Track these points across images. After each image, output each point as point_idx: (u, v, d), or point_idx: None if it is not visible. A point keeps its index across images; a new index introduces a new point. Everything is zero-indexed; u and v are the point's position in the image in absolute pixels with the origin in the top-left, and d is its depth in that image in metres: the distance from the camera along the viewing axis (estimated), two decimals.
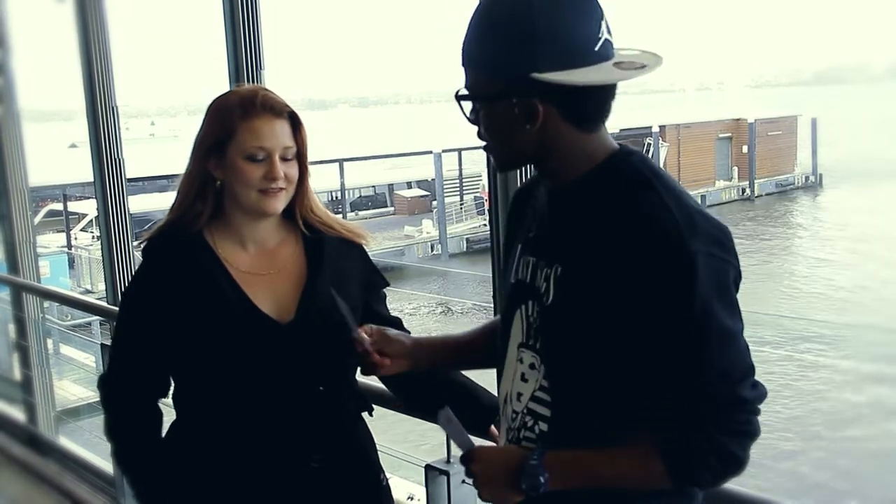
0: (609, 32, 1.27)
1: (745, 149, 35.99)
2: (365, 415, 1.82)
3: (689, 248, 1.18)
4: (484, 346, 1.60)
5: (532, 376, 1.37)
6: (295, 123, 1.68)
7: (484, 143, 1.36)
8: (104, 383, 1.75)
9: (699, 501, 1.35)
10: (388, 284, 1.86)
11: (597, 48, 1.24)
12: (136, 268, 1.78)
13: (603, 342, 1.24)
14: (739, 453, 1.21)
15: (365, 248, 1.82)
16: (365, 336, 1.55)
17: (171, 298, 1.65)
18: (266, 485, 1.65)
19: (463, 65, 1.31)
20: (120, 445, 1.78)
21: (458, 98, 1.32)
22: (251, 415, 1.64)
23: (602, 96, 1.28)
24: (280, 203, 1.67)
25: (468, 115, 1.34)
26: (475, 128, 1.34)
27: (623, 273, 1.21)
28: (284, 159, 1.65)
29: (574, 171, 1.31)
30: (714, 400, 1.20)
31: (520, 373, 1.40)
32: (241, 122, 1.63)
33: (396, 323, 1.81)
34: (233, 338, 1.62)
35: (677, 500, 1.32)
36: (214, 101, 1.70)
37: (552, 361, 1.33)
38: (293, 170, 1.67)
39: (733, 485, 1.37)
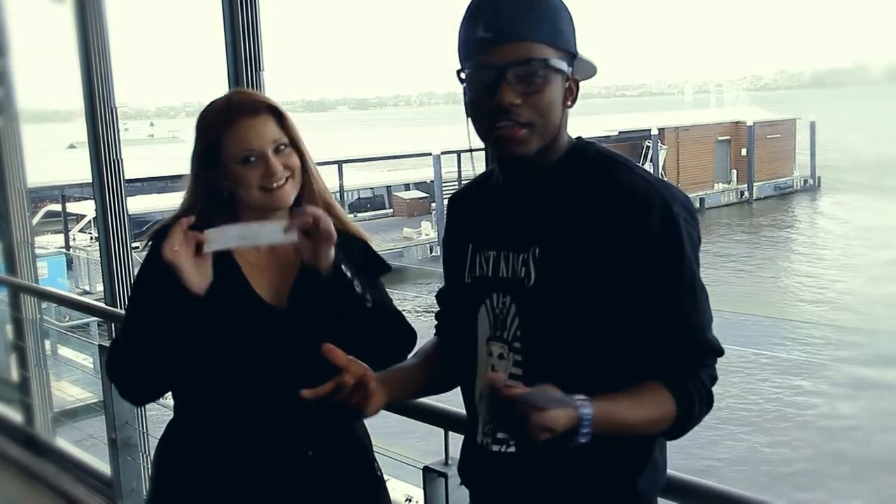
0: None
1: (743, 152, 36.03)
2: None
3: (673, 212, 1.30)
4: (435, 371, 1.61)
5: (501, 366, 1.40)
6: (278, 115, 1.68)
7: (514, 125, 1.32)
8: (111, 349, 1.74)
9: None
10: (389, 269, 1.84)
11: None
12: (145, 256, 1.77)
13: (589, 313, 1.32)
14: (712, 393, 1.35)
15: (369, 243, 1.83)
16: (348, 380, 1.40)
17: (177, 283, 1.63)
18: (262, 474, 1.66)
19: (519, 38, 1.30)
20: (136, 384, 1.75)
21: (541, 63, 1.31)
22: (249, 402, 1.64)
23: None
24: (288, 195, 1.68)
25: (527, 85, 1.31)
26: (516, 103, 1.30)
27: (612, 241, 1.30)
28: (278, 152, 1.66)
29: (554, 155, 1.39)
30: (702, 349, 1.34)
31: (489, 365, 1.42)
32: (223, 132, 1.65)
33: (397, 313, 1.78)
34: (232, 321, 1.64)
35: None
36: (198, 118, 1.71)
37: (532, 342, 1.36)
38: (292, 159, 1.68)
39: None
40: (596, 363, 1.34)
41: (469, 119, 1.38)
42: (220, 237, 1.54)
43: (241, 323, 1.66)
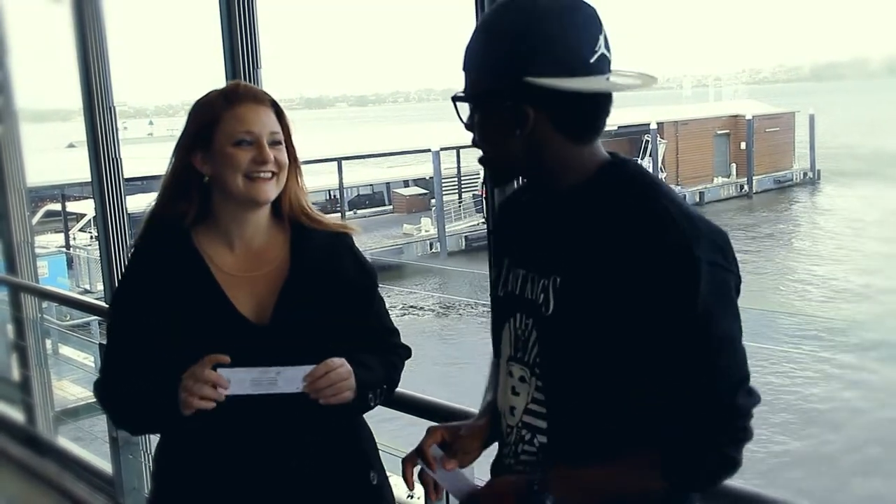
0: (608, 49, 1.28)
1: (743, 145, 36.02)
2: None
3: (693, 255, 1.19)
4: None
5: (523, 389, 1.38)
6: (278, 111, 1.70)
7: (480, 155, 1.36)
8: (99, 386, 1.74)
9: (697, 499, 1.36)
10: (376, 286, 1.83)
11: (592, 60, 1.25)
12: (123, 270, 1.78)
13: (605, 350, 1.25)
14: (736, 457, 1.23)
15: (354, 239, 1.80)
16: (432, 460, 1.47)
17: (155, 300, 1.65)
18: (251, 478, 1.64)
19: (463, 69, 1.33)
20: (132, 426, 1.85)
21: (454, 99, 1.33)
22: (230, 417, 1.59)
23: (593, 108, 1.29)
24: (270, 189, 1.66)
25: (465, 120, 1.35)
26: (472, 133, 1.35)
27: (628, 281, 1.21)
28: (273, 145, 1.66)
29: (565, 181, 1.32)
30: (714, 406, 1.21)
31: (510, 386, 1.41)
32: (225, 111, 1.65)
33: (392, 332, 1.81)
34: (211, 339, 1.61)
35: (676, 501, 1.33)
36: (196, 101, 1.72)
37: (551, 372, 1.33)
38: (282, 155, 1.68)
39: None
40: (616, 399, 1.27)
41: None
42: (236, 381, 1.54)
43: (220, 342, 1.60)
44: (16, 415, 4.69)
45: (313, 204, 1.81)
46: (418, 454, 1.47)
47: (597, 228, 1.27)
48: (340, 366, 1.59)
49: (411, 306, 22.38)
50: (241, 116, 1.64)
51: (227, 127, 1.64)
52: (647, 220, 1.23)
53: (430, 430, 1.50)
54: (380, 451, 1.83)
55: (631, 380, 1.25)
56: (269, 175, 1.65)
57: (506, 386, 1.42)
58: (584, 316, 1.26)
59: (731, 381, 1.22)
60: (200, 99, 1.71)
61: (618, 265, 1.23)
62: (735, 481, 1.38)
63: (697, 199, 32.91)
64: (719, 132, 36.19)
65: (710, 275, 1.19)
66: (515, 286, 1.40)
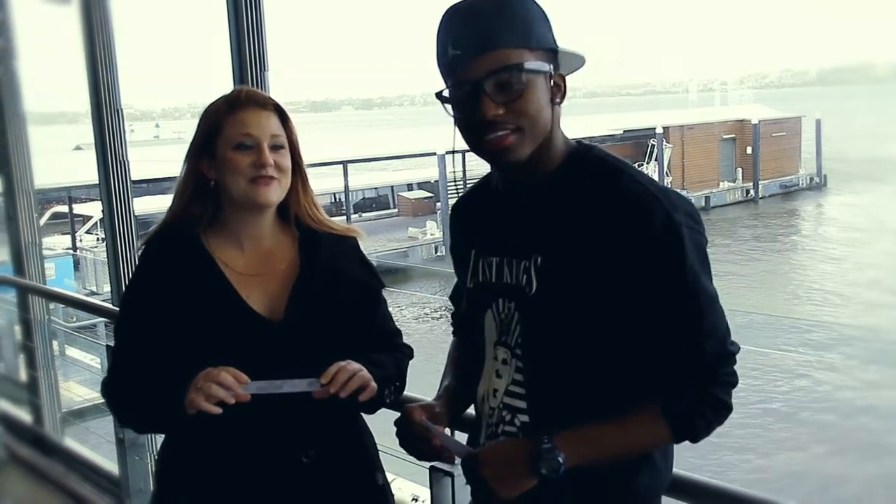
0: None
1: (749, 150, 35.93)
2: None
3: (674, 220, 1.28)
4: (468, 375, 1.61)
5: (505, 371, 1.42)
6: (282, 115, 1.71)
7: (503, 133, 1.32)
8: (106, 387, 1.75)
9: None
10: (383, 286, 1.85)
11: None
12: (133, 272, 1.80)
13: (591, 321, 1.31)
14: (727, 400, 1.32)
15: (358, 241, 1.83)
16: (438, 429, 1.50)
17: (165, 301, 1.66)
18: (256, 480, 1.66)
19: (490, 48, 1.30)
20: (137, 424, 1.88)
21: (515, 69, 1.30)
22: (243, 412, 1.60)
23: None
24: (272, 193, 1.68)
25: (506, 93, 1.30)
26: (498, 114, 1.31)
27: (613, 250, 1.28)
28: (274, 149, 1.67)
29: (552, 161, 1.38)
30: (707, 355, 1.30)
31: (494, 370, 1.45)
32: (226, 117, 1.68)
33: (395, 333, 1.83)
34: (225, 336, 1.63)
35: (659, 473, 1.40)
36: (204, 109, 1.74)
37: (532, 350, 1.37)
38: (284, 159, 1.69)
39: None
40: (597, 373, 1.34)
41: (457, 133, 1.37)
42: (251, 388, 1.55)
43: (233, 338, 1.63)
44: (23, 415, 4.71)
45: None
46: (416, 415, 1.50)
47: (577, 206, 1.33)
48: (349, 363, 1.61)
49: (416, 308, 22.37)
50: (241, 121, 1.67)
51: (228, 131, 1.67)
52: (628, 193, 1.31)
53: (410, 406, 1.53)
54: (384, 453, 1.85)
55: (614, 347, 1.32)
56: (271, 178, 1.66)
57: (491, 369, 1.46)
58: (570, 290, 1.32)
59: (720, 332, 1.32)
60: (208, 106, 1.73)
61: (602, 237, 1.29)
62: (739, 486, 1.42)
63: (703, 204, 32.84)
64: (725, 136, 36.12)
65: (689, 237, 1.29)
66: (489, 275, 1.45)
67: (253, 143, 1.65)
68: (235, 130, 1.66)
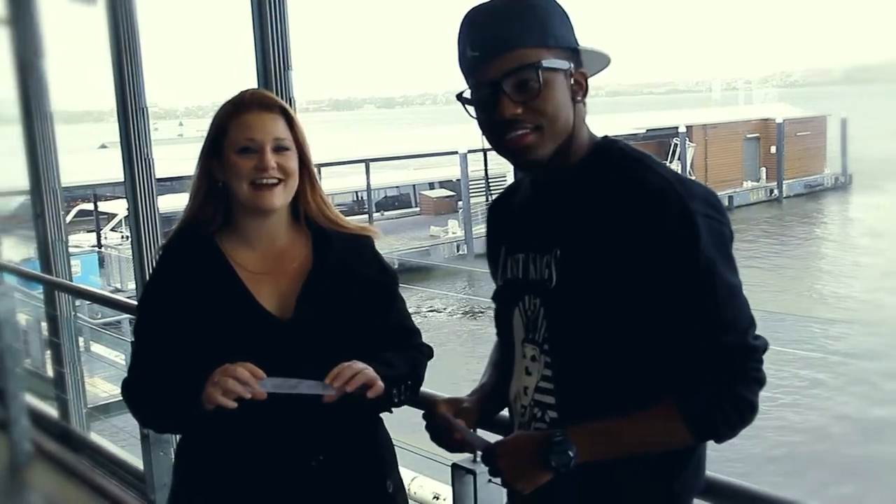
0: None
1: (773, 149, 35.59)
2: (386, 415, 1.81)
3: (689, 208, 1.26)
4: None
5: (534, 369, 1.42)
6: (288, 118, 1.71)
7: (522, 132, 1.33)
8: (125, 387, 1.76)
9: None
10: (397, 284, 1.85)
11: None
12: (151, 272, 1.81)
13: (610, 313, 1.30)
14: (753, 399, 1.26)
15: (374, 241, 1.83)
16: (461, 423, 1.52)
17: (180, 302, 1.68)
18: (266, 482, 1.66)
19: (507, 49, 1.32)
20: (156, 424, 1.92)
21: (532, 68, 1.31)
22: (254, 412, 1.60)
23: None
24: (276, 198, 1.68)
25: (524, 92, 1.31)
26: (517, 113, 1.32)
27: (628, 240, 1.27)
28: (279, 151, 1.68)
29: (576, 158, 1.39)
30: (725, 349, 1.25)
31: (524, 367, 1.45)
32: (232, 119, 1.69)
33: (413, 332, 1.83)
34: (237, 334, 1.64)
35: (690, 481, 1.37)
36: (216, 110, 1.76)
37: (558, 344, 1.37)
38: (290, 162, 1.69)
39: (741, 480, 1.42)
40: (623, 367, 1.32)
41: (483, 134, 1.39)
42: (267, 385, 1.56)
43: (244, 335, 1.64)
44: (50, 410, 4.77)
45: (339, 205, 1.83)
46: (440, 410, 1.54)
47: (595, 197, 1.34)
48: (353, 363, 1.61)
49: (441, 305, 22.39)
50: (245, 124, 1.67)
51: (233, 134, 1.68)
52: (644, 182, 1.29)
53: (436, 399, 1.57)
54: (406, 450, 1.85)
55: (637, 339, 1.30)
56: (274, 182, 1.66)
57: (521, 368, 1.46)
58: (588, 281, 1.31)
59: (741, 325, 1.27)
60: (221, 106, 1.75)
61: (617, 227, 1.28)
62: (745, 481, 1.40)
63: (727, 203, 32.59)
64: (749, 136, 35.81)
65: (707, 227, 1.26)
66: (517, 271, 1.46)
67: (256, 146, 1.66)
68: (239, 134, 1.67)
